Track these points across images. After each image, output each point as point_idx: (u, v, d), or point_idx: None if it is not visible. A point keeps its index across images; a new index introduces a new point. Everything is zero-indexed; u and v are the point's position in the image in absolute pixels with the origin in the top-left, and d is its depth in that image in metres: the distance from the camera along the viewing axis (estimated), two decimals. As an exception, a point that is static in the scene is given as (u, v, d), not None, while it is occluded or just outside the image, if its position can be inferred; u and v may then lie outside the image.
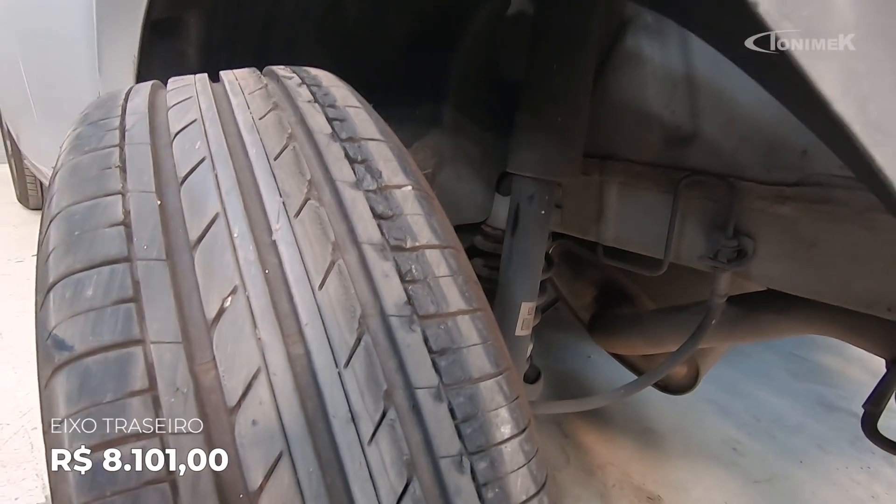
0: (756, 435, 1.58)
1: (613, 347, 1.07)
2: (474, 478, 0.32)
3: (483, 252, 1.01)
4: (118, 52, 0.79)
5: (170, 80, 0.52)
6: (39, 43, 1.16)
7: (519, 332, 0.83)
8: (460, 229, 1.04)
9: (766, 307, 0.82)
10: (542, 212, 0.78)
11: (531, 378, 1.07)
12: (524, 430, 0.35)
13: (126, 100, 0.46)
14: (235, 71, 0.54)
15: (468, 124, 0.92)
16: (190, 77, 0.52)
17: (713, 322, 0.73)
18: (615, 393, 0.81)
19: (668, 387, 1.15)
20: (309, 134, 0.43)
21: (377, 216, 0.38)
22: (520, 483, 0.34)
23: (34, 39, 1.20)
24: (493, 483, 0.33)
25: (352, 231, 0.37)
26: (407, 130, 0.94)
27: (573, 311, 1.22)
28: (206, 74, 0.53)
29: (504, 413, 0.35)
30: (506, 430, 0.34)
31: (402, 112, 0.93)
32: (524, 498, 0.33)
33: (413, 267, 0.36)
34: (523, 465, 0.34)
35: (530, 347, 1.07)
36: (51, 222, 0.35)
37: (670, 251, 0.75)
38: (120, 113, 0.44)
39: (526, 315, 0.83)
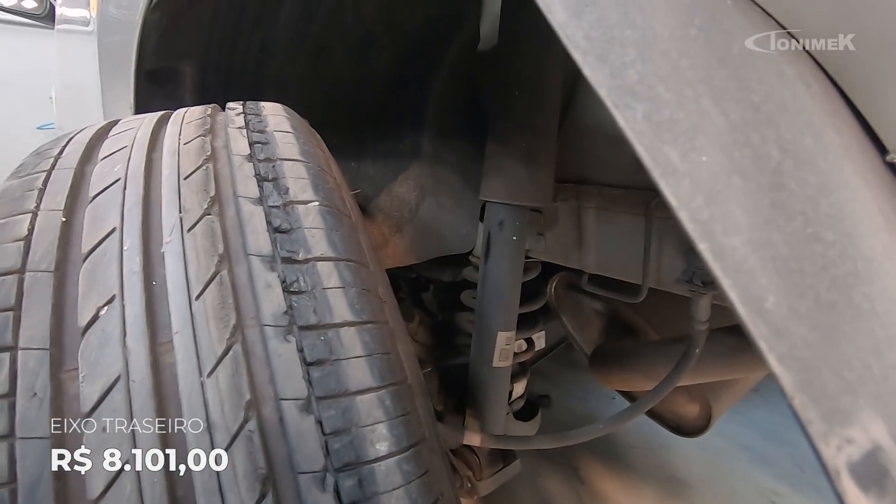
0: (799, 487, 1.43)
1: (612, 383, 1.01)
2: (338, 497, 0.30)
3: (473, 284, 0.99)
4: (119, 100, 0.86)
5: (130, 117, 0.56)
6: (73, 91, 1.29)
7: (497, 363, 0.80)
8: (451, 260, 1.04)
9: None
10: (514, 238, 0.76)
11: (526, 415, 1.02)
12: (407, 449, 0.33)
13: (77, 133, 0.50)
14: (193, 107, 0.58)
15: (448, 155, 0.93)
16: (150, 114, 0.56)
17: (697, 351, 0.68)
18: (593, 428, 0.76)
19: (680, 428, 1.06)
20: (229, 156, 0.44)
21: (274, 230, 0.38)
22: (393, 505, 0.31)
23: (69, 87, 1.34)
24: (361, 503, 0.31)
25: (245, 244, 0.37)
26: (393, 163, 0.96)
27: (579, 347, 1.17)
28: (166, 112, 0.57)
29: (382, 429, 0.33)
30: (381, 447, 0.32)
31: (388, 146, 0.96)
32: (397, 522, 0.31)
33: (300, 278, 0.36)
34: (399, 487, 0.32)
35: (524, 382, 1.02)
36: None
37: (648, 276, 0.72)
38: (64, 144, 0.47)
39: (503, 345, 0.80)
